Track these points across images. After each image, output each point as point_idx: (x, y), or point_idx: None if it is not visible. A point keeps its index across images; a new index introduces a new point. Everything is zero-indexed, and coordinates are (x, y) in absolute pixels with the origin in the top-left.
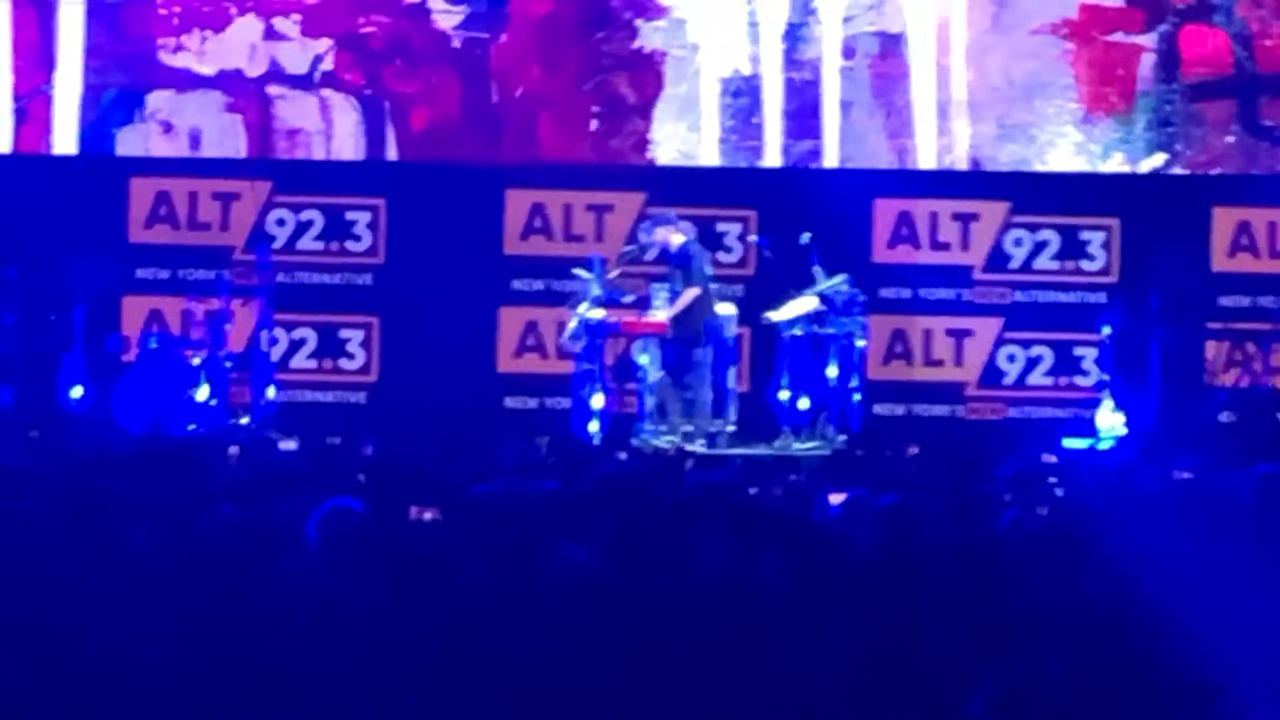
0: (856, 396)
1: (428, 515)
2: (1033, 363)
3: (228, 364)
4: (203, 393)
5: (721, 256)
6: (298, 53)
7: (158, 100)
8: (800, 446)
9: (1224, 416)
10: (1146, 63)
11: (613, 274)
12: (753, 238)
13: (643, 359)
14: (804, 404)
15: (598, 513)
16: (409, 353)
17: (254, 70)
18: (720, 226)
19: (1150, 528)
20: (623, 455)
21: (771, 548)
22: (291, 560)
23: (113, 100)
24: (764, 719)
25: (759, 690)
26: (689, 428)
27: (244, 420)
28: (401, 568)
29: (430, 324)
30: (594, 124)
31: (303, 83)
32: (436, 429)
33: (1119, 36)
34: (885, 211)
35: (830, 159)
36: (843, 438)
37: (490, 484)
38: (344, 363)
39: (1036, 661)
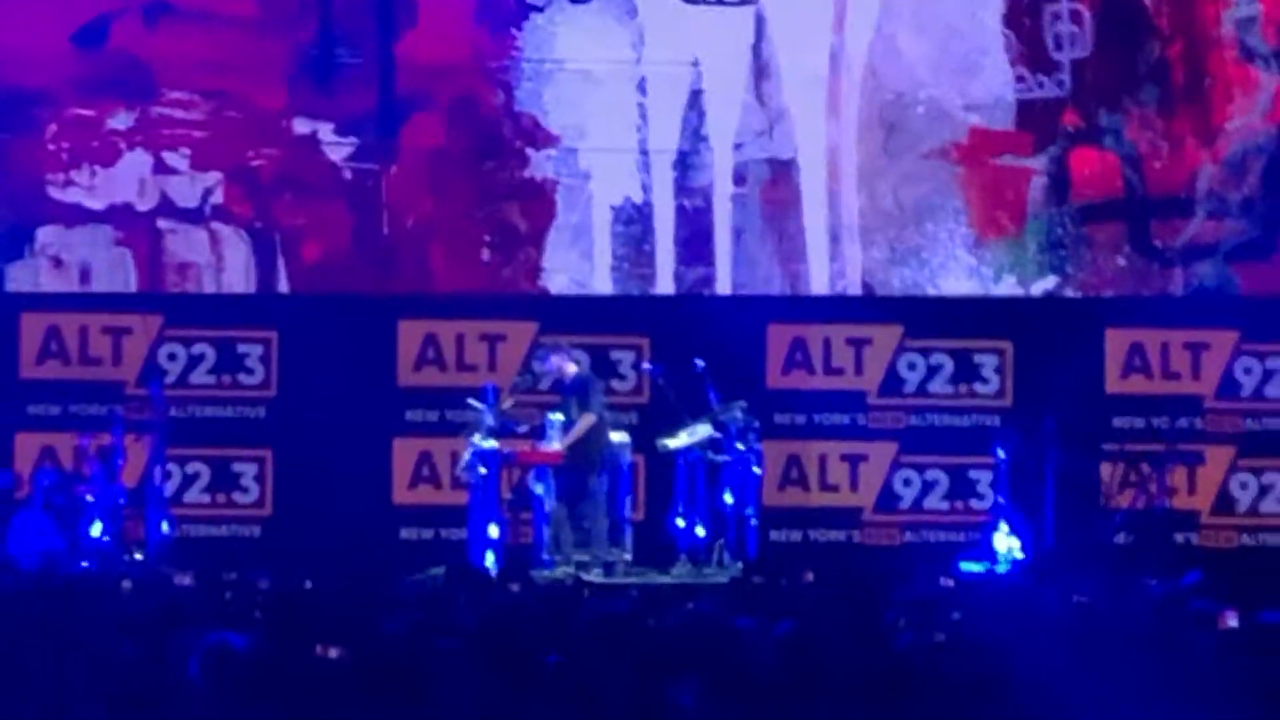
0: (753, 523)
1: (333, 653)
2: (928, 486)
3: (121, 500)
4: (96, 529)
5: (615, 384)
6: (187, 186)
7: (47, 235)
8: (698, 573)
9: (1120, 538)
10: (1037, 185)
11: (507, 404)
12: (646, 365)
13: (538, 488)
14: (700, 531)
15: (498, 645)
16: (303, 485)
17: (144, 204)
18: (614, 354)
19: (1048, 652)
20: (516, 587)
21: (672, 676)
22: (188, 696)
23: (2, 236)
24: None
25: None
26: (585, 557)
27: (138, 555)
28: (299, 705)
29: (324, 456)
30: (486, 253)
31: (192, 216)
32: (332, 561)
33: (1009, 159)
34: (778, 337)
35: (723, 285)
36: (740, 565)
37: (394, 619)
38: (238, 496)
39: None
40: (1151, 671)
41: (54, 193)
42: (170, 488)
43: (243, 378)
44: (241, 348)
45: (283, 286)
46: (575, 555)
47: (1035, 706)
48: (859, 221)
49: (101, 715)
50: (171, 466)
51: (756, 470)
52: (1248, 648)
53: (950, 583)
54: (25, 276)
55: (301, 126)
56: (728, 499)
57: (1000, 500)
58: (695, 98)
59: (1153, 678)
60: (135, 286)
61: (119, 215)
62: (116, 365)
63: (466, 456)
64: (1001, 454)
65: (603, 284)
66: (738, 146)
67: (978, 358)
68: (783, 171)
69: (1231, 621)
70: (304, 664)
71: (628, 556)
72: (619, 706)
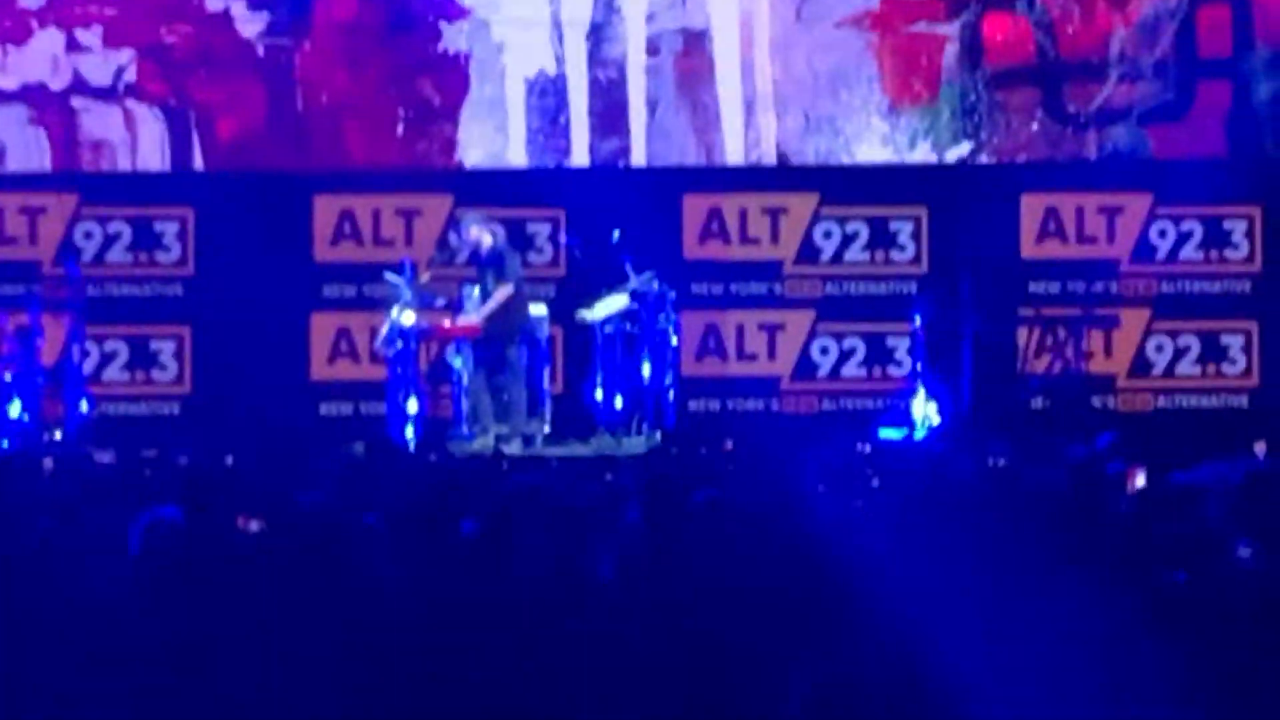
0: (671, 393)
1: (254, 526)
2: (846, 354)
3: (39, 379)
4: (14, 408)
5: (532, 257)
6: (100, 64)
7: None
8: (616, 444)
9: (1037, 403)
10: (950, 52)
11: (424, 277)
12: (563, 237)
13: (456, 361)
14: (619, 402)
15: (416, 517)
16: (222, 362)
17: (57, 83)
18: (530, 227)
19: (965, 516)
20: (434, 458)
21: (590, 548)
22: (109, 572)
23: None
24: (580, 716)
25: (574, 689)
26: (504, 429)
27: (57, 435)
28: (225, 578)
29: (242, 333)
30: (400, 128)
31: (106, 94)
32: (252, 437)
33: (922, 27)
34: (694, 208)
35: (638, 157)
36: (658, 434)
37: (313, 493)
38: (156, 374)
39: (854, 656)
40: (1068, 534)
41: None
42: (89, 366)
43: (160, 255)
44: (158, 226)
45: (198, 164)
46: (494, 428)
47: (953, 571)
48: (773, 91)
49: (21, 593)
50: (89, 345)
51: (674, 340)
52: (1161, 508)
53: (868, 449)
54: None
55: (214, 3)
56: (645, 370)
57: (918, 367)
58: None
59: (1069, 540)
60: (50, 166)
61: (32, 94)
62: (33, 245)
63: (384, 331)
64: (918, 321)
65: (518, 157)
66: (650, 17)
67: (893, 225)
68: (696, 41)
69: (1140, 481)
70: (225, 538)
71: (546, 428)
72: (536, 578)
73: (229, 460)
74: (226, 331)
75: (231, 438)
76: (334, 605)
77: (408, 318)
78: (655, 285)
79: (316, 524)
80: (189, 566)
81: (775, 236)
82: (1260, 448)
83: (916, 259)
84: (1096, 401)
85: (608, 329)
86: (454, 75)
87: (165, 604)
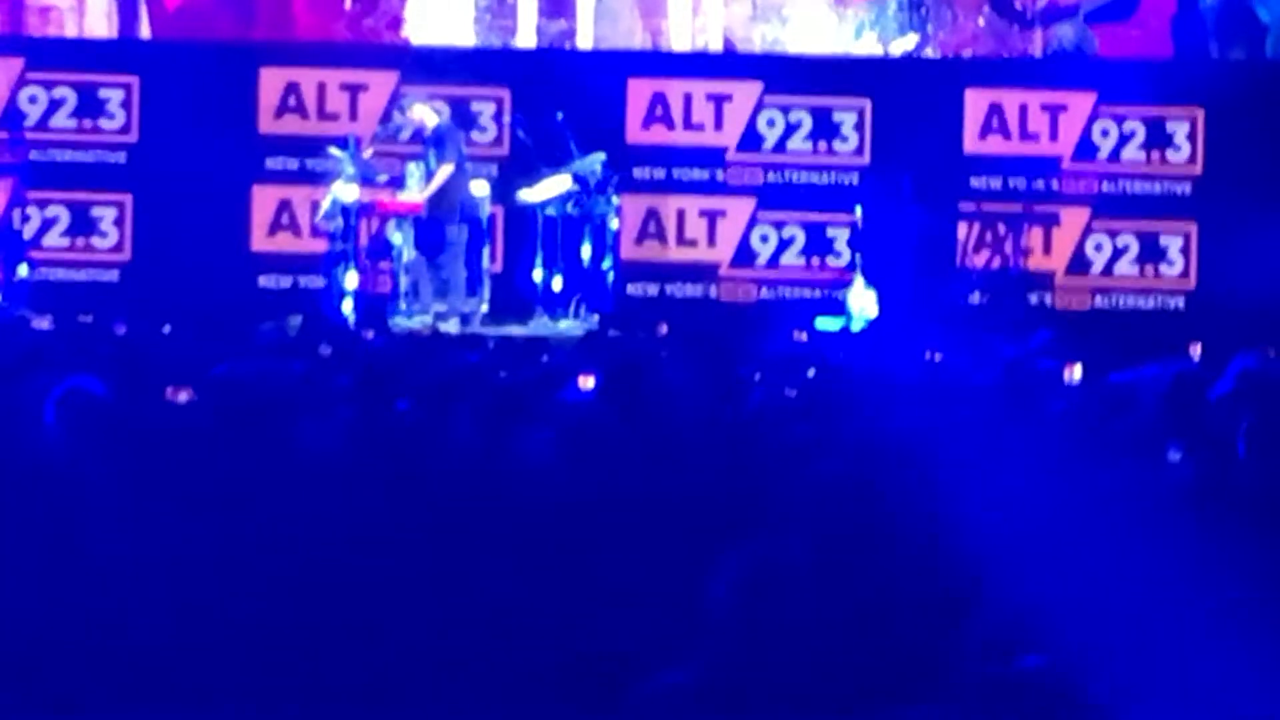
0: (610, 277)
1: (182, 396)
2: (785, 244)
3: None
4: None
5: (476, 136)
6: None
7: None
8: (554, 326)
9: (974, 298)
10: None
11: (367, 153)
12: (507, 118)
13: (396, 238)
14: (558, 284)
15: (351, 393)
16: (162, 231)
17: None
18: (474, 106)
19: (899, 409)
20: (371, 334)
21: (525, 429)
22: (40, 440)
23: None
24: (514, 602)
25: (510, 576)
26: (442, 307)
27: None
28: (149, 450)
29: (184, 203)
30: (349, 2)
31: None
32: (190, 307)
33: None
34: (639, 92)
35: (584, 39)
36: (596, 317)
37: (243, 363)
38: (96, 241)
39: (779, 542)
40: (1001, 430)
41: None
42: (29, 231)
43: (103, 122)
44: (102, 92)
45: (144, 32)
46: (433, 305)
47: (885, 464)
48: None
49: None
50: (30, 210)
51: (614, 224)
52: (1096, 406)
53: (804, 338)
54: None
55: None
56: (585, 252)
57: (857, 258)
58: None
59: (1002, 436)
60: None
61: None
62: None
63: (326, 205)
64: (859, 212)
65: (464, 36)
66: None
67: (837, 115)
68: None
69: (1076, 375)
70: (155, 409)
71: (484, 308)
72: (468, 456)
73: (165, 329)
74: (168, 201)
75: (170, 307)
76: (262, 480)
77: (349, 193)
78: (599, 168)
79: (248, 395)
80: (107, 437)
81: (719, 123)
82: (1195, 350)
83: (859, 150)
84: (1034, 298)
85: (549, 210)
86: None
87: (82, 475)
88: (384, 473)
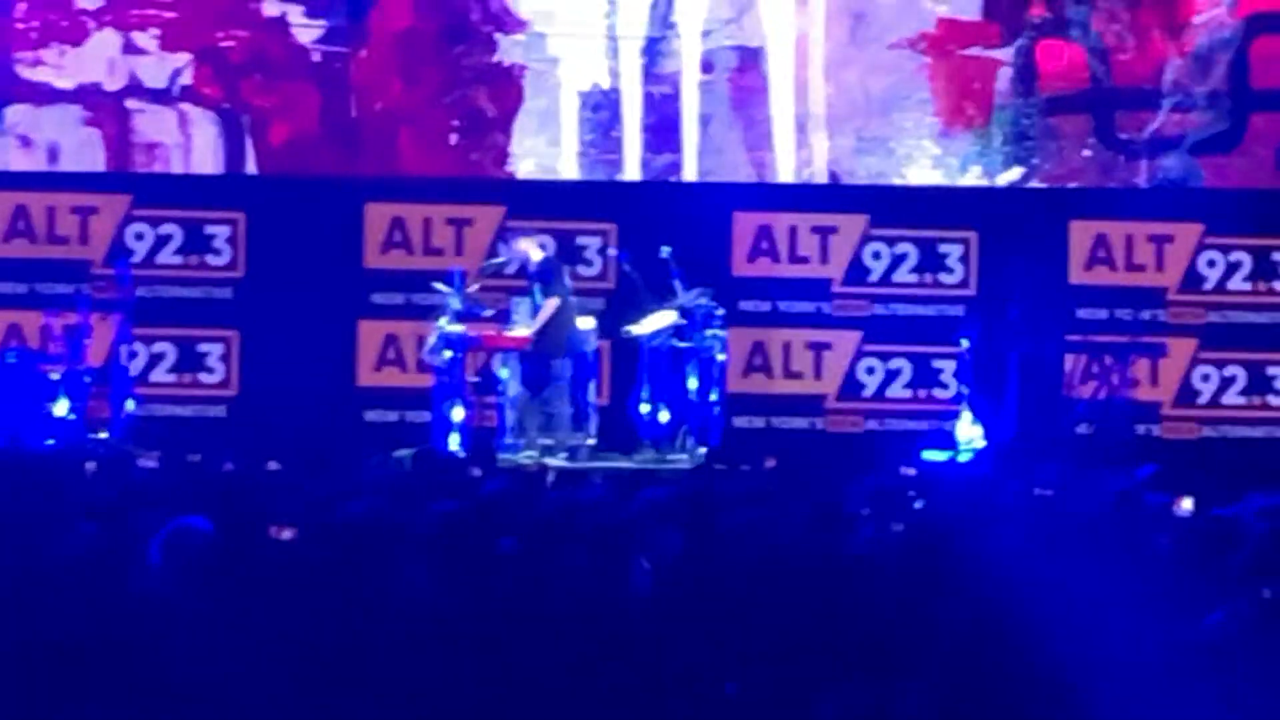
0: (716, 410)
1: (286, 534)
2: (891, 375)
3: (86, 378)
4: (61, 407)
5: (581, 270)
6: (156, 66)
7: (16, 114)
8: (661, 460)
9: (1082, 429)
10: (1003, 77)
11: (473, 288)
12: (613, 251)
13: (503, 373)
14: (664, 417)
15: (460, 531)
16: (269, 367)
17: (113, 84)
18: (580, 240)
19: (1008, 542)
20: (478, 471)
21: (633, 563)
22: (149, 578)
23: None
24: None
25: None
26: (549, 442)
27: (102, 435)
28: (256, 587)
29: (290, 338)
30: (454, 138)
31: (161, 96)
32: (297, 443)
33: (976, 50)
34: (744, 225)
35: (689, 172)
36: (703, 451)
37: (352, 503)
38: (203, 377)
39: (890, 680)
40: (1109, 564)
41: (23, 72)
42: (136, 367)
43: (210, 259)
44: (209, 228)
45: (250, 168)
46: (540, 440)
47: (994, 598)
48: (826, 110)
49: (63, 594)
50: (138, 346)
51: (721, 357)
52: (1203, 540)
53: (912, 471)
54: None
55: (271, 8)
56: (692, 385)
57: (964, 389)
58: None
59: (1110, 570)
60: (103, 166)
61: (87, 95)
62: (83, 244)
63: (433, 340)
64: (965, 343)
65: (569, 170)
66: (706, 34)
67: (942, 247)
68: (750, 59)
69: (1186, 506)
70: (261, 546)
71: (591, 442)
72: (574, 595)
73: (272, 466)
74: (275, 336)
75: (277, 444)
76: (367, 618)
77: (455, 328)
78: (704, 301)
79: (353, 534)
80: (215, 576)
81: (825, 255)
82: None
83: (965, 282)
84: (1141, 429)
85: (655, 344)
86: (508, 86)
87: (189, 613)
88: (490, 610)
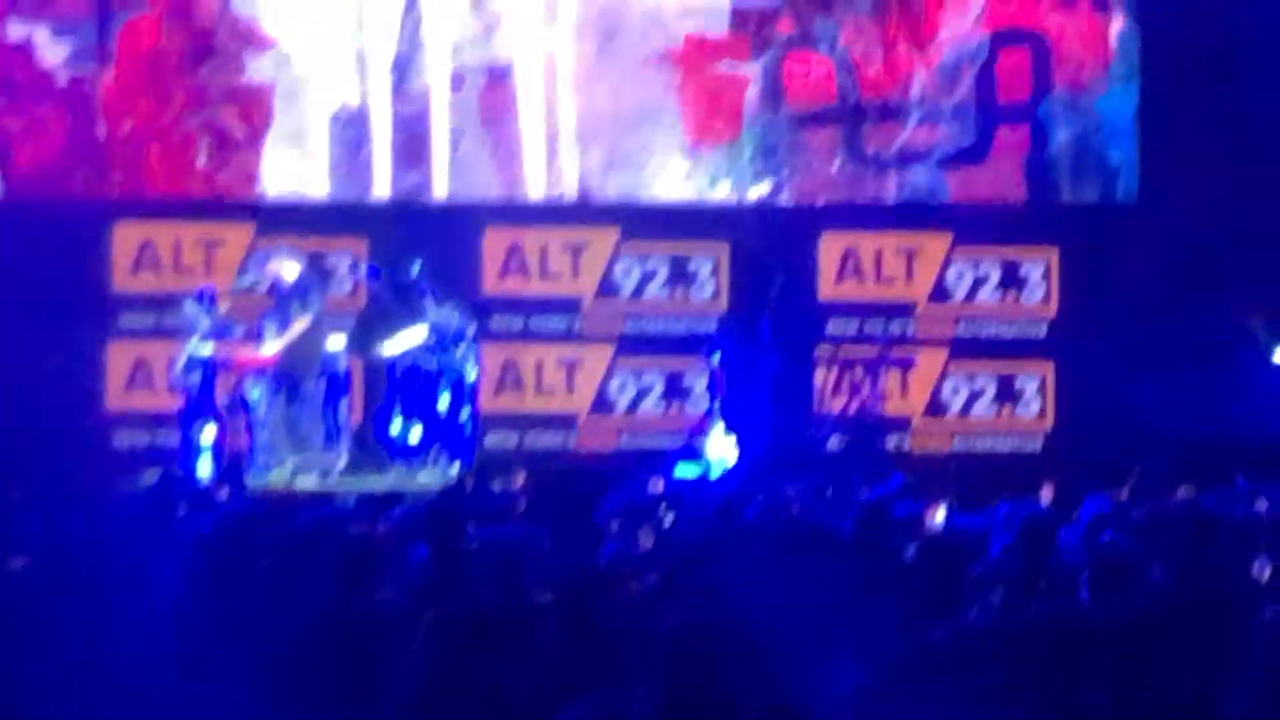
0: (468, 428)
1: (16, 564)
2: (643, 391)
3: None
4: None
5: (332, 288)
6: None
7: None
8: (412, 479)
9: (832, 443)
10: (753, 92)
11: (223, 308)
12: (363, 269)
13: (254, 393)
14: (416, 436)
15: (211, 551)
16: (15, 390)
17: None
18: (330, 259)
19: (755, 555)
20: (226, 491)
21: (384, 580)
22: None
23: None
24: None
25: None
26: (300, 462)
27: None
28: None
29: (37, 361)
30: (203, 157)
31: None
32: (44, 468)
33: (725, 66)
34: (495, 242)
35: (440, 190)
36: (455, 469)
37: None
38: None
39: (631, 691)
40: (855, 576)
41: None
42: None
43: None
44: None
45: None
46: (290, 460)
47: (742, 610)
48: (576, 127)
49: None
50: None
51: (472, 374)
52: (946, 551)
53: (660, 486)
54: None
55: (16, 30)
56: (443, 403)
57: (715, 405)
58: (412, 2)
59: (857, 582)
60: None
61: None
62: None
63: (182, 361)
64: (716, 358)
65: (320, 188)
66: (455, 51)
67: (693, 262)
68: (500, 76)
69: (939, 518)
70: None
71: (343, 462)
72: (324, 611)
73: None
74: (22, 359)
75: (24, 468)
76: (110, 640)
77: (205, 348)
78: (456, 319)
79: (93, 558)
80: None
81: (575, 272)
82: (1046, 493)
83: (716, 296)
84: (892, 442)
85: (406, 362)
86: (258, 105)
87: None
88: (239, 629)
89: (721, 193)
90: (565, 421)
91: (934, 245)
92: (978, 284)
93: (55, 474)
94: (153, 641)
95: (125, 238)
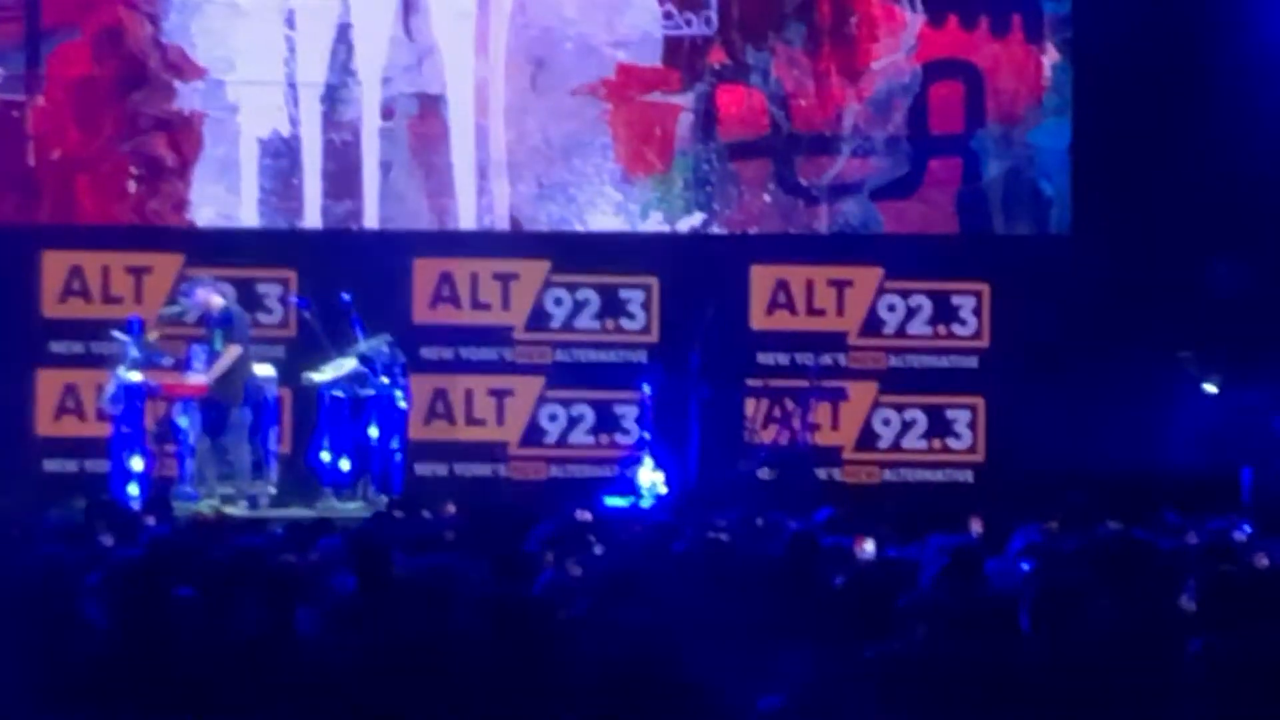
0: (398, 457)
1: None
2: (574, 421)
3: None
4: None
5: (261, 317)
6: None
7: None
8: (342, 508)
9: (763, 473)
10: (684, 122)
11: (152, 336)
12: (293, 298)
13: (183, 421)
14: (345, 465)
15: (139, 577)
16: None
17: None
18: (260, 288)
19: (684, 585)
20: (152, 520)
21: (310, 611)
22: None
23: None
24: None
25: None
26: (229, 490)
27: None
28: None
29: None
30: (132, 185)
31: None
32: None
33: (656, 96)
34: (426, 271)
35: (370, 219)
36: (384, 498)
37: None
38: None
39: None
40: (783, 607)
41: None
42: None
43: None
44: None
45: None
46: (219, 488)
47: (672, 639)
48: (507, 157)
49: None
50: None
51: (402, 404)
52: (876, 581)
53: (588, 516)
54: None
55: None
56: (373, 432)
57: (645, 435)
58: (343, 31)
59: (784, 613)
60: None
61: None
62: None
63: (111, 388)
64: (647, 389)
65: (250, 217)
66: (386, 81)
67: (624, 293)
68: (431, 106)
69: (869, 549)
70: None
71: (272, 490)
72: (250, 638)
73: None
74: None
75: None
76: (35, 664)
77: (134, 376)
78: (387, 349)
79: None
80: None
81: (506, 302)
82: (975, 525)
83: (646, 328)
84: (822, 473)
85: (336, 391)
86: (187, 133)
87: None
88: (163, 657)
89: (653, 223)
90: (496, 451)
91: (866, 277)
92: (909, 316)
93: None
94: (78, 667)
95: (54, 264)
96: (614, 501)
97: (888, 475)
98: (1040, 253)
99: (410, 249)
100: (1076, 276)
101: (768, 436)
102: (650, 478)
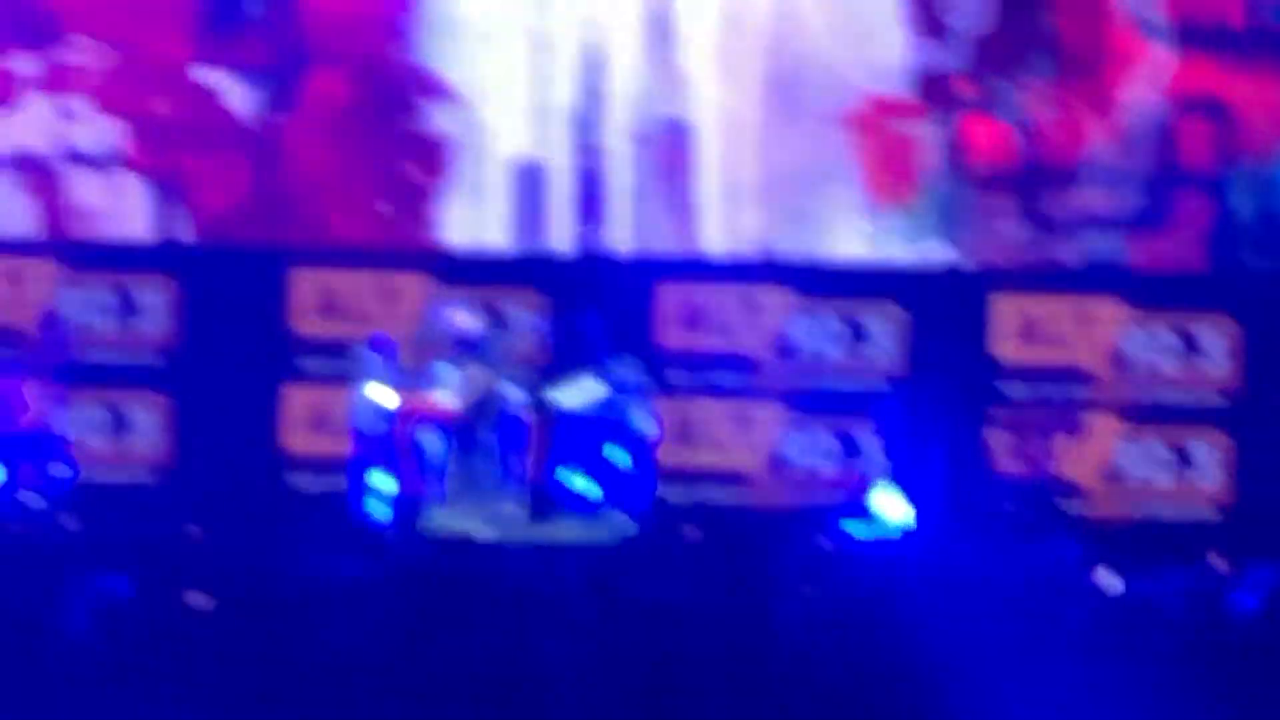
0: (643, 482)
1: (202, 602)
2: (818, 450)
3: (21, 443)
4: None
5: (510, 340)
6: (90, 133)
7: None
8: (587, 531)
9: (1008, 507)
10: (931, 152)
11: (403, 356)
12: (542, 322)
13: (432, 442)
14: (591, 489)
15: (390, 599)
16: (199, 433)
17: (45, 149)
18: (509, 310)
19: (935, 618)
20: (408, 540)
21: (560, 634)
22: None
23: None
24: None
25: None
26: (477, 512)
27: (35, 500)
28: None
29: (219, 404)
30: (383, 207)
31: (95, 163)
32: (224, 509)
33: (904, 126)
34: (672, 297)
35: (617, 243)
36: (629, 523)
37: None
38: (137, 442)
39: None
40: (1034, 641)
41: None
42: (70, 432)
43: (141, 325)
44: (141, 295)
45: (184, 235)
46: (468, 510)
47: (922, 675)
48: (754, 185)
49: None
50: (71, 411)
51: (647, 428)
52: (1126, 618)
53: (835, 547)
54: None
55: (205, 75)
56: (618, 457)
57: (889, 466)
58: (594, 57)
59: (1035, 647)
60: (36, 233)
61: (20, 160)
62: (16, 311)
63: (360, 407)
64: (892, 419)
65: (498, 240)
66: (634, 106)
67: (869, 322)
68: (679, 132)
69: (1115, 585)
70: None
71: (520, 513)
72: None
73: (195, 532)
74: (205, 402)
75: (202, 506)
76: (290, 683)
77: (383, 395)
78: (633, 373)
79: (274, 600)
80: (133, 640)
81: (751, 328)
82: (1224, 562)
83: (891, 358)
84: (1066, 507)
85: (583, 415)
86: (437, 156)
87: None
88: (413, 676)
89: (898, 253)
90: (739, 478)
91: (1111, 311)
92: (1154, 350)
93: (233, 513)
94: (327, 682)
95: (303, 282)
96: (856, 530)
97: (1132, 510)
98: None
99: (656, 274)
100: None
101: (1012, 469)
102: (893, 509)
